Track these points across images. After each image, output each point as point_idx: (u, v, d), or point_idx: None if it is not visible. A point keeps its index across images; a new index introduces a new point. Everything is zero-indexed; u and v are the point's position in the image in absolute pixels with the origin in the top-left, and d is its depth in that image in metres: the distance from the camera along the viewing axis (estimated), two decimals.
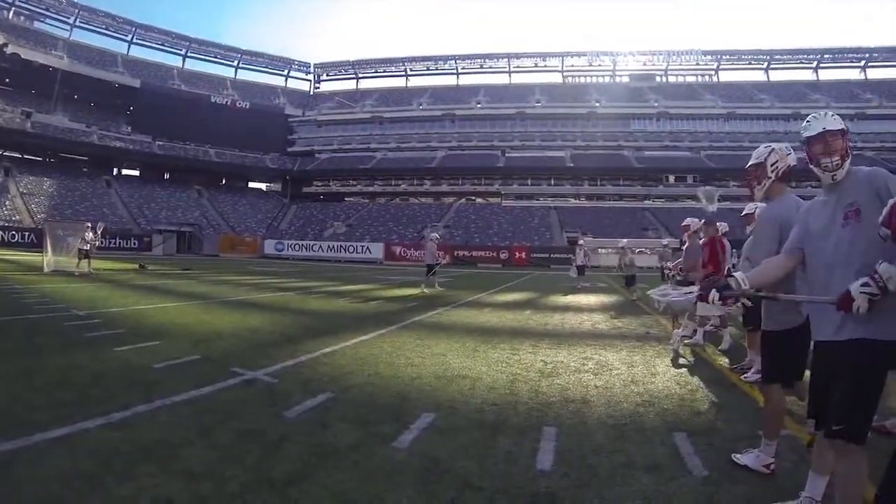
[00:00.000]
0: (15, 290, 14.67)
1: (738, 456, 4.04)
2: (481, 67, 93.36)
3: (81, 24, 78.59)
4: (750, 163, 4.12)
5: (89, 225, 23.03)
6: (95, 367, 6.39)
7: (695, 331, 9.72)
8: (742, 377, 6.92)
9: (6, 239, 45.28)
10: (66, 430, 4.27)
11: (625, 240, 28.23)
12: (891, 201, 1.82)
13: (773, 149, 3.99)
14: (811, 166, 3.05)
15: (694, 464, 4.04)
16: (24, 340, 8.00)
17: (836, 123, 2.98)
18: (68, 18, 77.10)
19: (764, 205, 4.58)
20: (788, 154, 3.98)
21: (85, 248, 21.78)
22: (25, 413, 4.66)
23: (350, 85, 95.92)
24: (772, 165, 3.95)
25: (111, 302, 12.96)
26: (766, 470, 3.87)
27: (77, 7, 76.88)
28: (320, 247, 56.20)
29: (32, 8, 74.38)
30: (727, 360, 8.28)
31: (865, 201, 2.73)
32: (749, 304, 6.85)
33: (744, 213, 8.01)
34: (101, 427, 4.40)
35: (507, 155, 77.84)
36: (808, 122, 3.09)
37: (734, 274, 3.32)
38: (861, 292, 2.41)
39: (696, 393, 6.15)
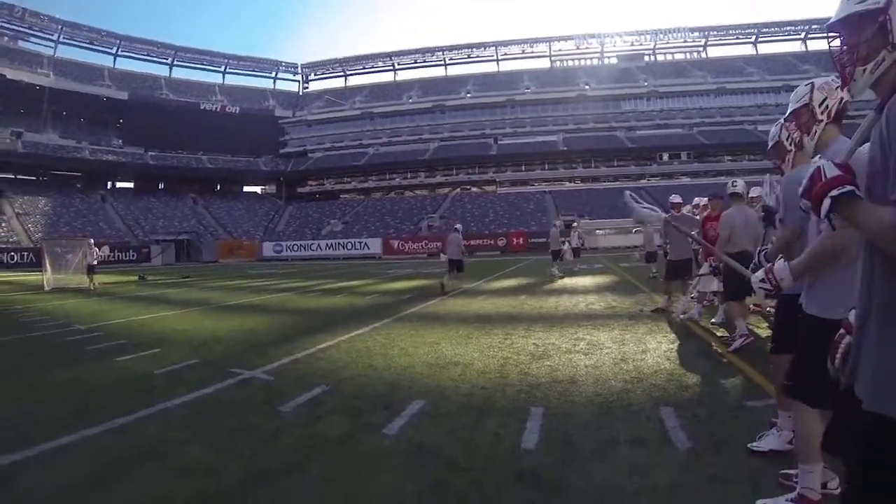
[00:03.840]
0: (16, 310, 14.79)
1: (756, 444, 3.86)
2: (469, 57, 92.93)
3: (66, 41, 77.91)
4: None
5: (92, 241, 23.06)
6: (97, 378, 6.55)
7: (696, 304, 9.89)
8: (728, 349, 7.00)
9: (5, 260, 45.39)
10: (70, 439, 4.43)
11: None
12: (809, 170, 1.73)
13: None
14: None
15: (678, 437, 4.12)
16: (28, 357, 8.17)
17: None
18: (52, 35, 76.22)
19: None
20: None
21: (94, 262, 21.88)
22: (32, 425, 4.83)
23: (339, 83, 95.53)
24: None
25: (111, 315, 13.09)
26: (792, 446, 3.72)
27: (60, 23, 76.13)
28: (318, 246, 56.01)
29: (16, 28, 73.58)
30: (719, 333, 8.36)
31: None
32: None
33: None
34: (104, 433, 4.57)
35: (499, 142, 77.73)
36: None
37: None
38: (759, 287, 2.39)
39: (685, 367, 6.24)
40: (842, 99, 2.99)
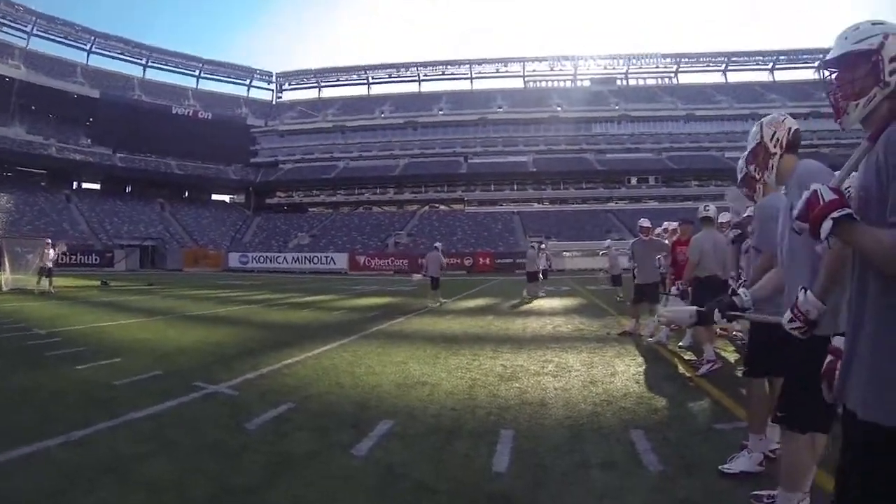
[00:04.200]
0: None
1: (727, 466, 3.92)
2: (443, 74, 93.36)
3: (39, 33, 75.90)
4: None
5: (49, 241, 22.52)
6: (56, 386, 6.37)
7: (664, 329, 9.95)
8: (696, 373, 7.06)
9: None
10: (28, 450, 4.29)
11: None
12: (805, 193, 1.84)
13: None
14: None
15: (650, 460, 4.15)
16: None
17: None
18: (26, 27, 74.20)
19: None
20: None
21: (47, 265, 21.39)
22: None
23: (312, 94, 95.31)
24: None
25: (72, 320, 12.82)
26: (762, 467, 3.89)
27: (35, 15, 74.19)
28: (285, 258, 55.46)
29: None
30: (687, 357, 8.44)
31: (797, 198, 2.73)
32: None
33: (746, 214, 8.17)
34: (63, 445, 4.42)
35: (469, 161, 77.94)
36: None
37: (738, 291, 3.31)
38: (790, 328, 2.41)
39: (654, 390, 6.31)
40: (790, 129, 3.25)
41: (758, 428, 4.04)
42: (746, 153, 3.44)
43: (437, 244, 19.86)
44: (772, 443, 4.12)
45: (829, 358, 1.99)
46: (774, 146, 3.24)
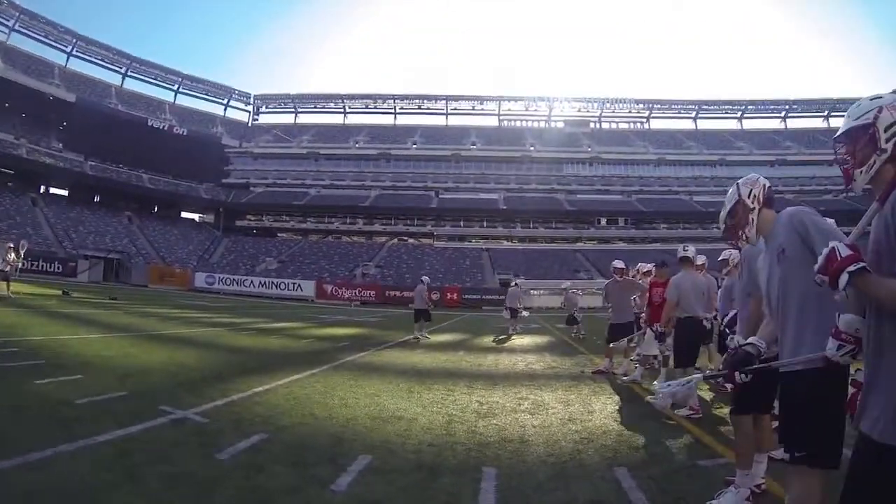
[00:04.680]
0: None
1: (714, 502, 3.95)
2: (419, 108, 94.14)
3: (20, 29, 73.92)
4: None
5: (11, 245, 21.92)
6: (12, 402, 6.05)
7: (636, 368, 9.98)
8: (675, 412, 7.02)
9: None
10: None
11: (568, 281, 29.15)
12: (825, 251, 2.08)
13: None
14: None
15: (637, 497, 4.09)
16: None
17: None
18: (8, 21, 72.23)
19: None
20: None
21: (6, 269, 20.82)
22: None
23: (288, 119, 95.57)
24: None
25: (31, 330, 12.42)
26: (750, 503, 3.99)
27: (18, 10, 72.30)
28: (251, 282, 54.88)
29: None
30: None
31: (788, 242, 2.95)
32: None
33: (721, 258, 8.20)
34: (18, 467, 4.13)
35: (440, 196, 78.53)
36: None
37: (750, 340, 3.29)
38: (842, 355, 2.38)
39: (633, 428, 6.27)
40: (764, 186, 3.52)
41: (745, 464, 4.17)
42: (725, 213, 3.64)
43: (424, 278, 20.41)
44: (757, 478, 4.25)
45: (851, 390, 2.28)
46: (752, 202, 3.46)
